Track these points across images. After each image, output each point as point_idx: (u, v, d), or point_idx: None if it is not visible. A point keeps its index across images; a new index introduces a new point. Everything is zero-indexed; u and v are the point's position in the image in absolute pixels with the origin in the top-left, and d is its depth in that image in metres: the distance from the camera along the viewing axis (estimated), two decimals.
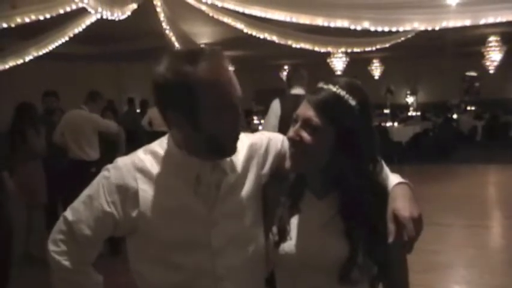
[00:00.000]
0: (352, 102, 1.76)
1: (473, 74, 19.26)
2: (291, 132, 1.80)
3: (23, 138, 7.03)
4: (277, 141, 2.01)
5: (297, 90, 6.04)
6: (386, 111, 17.45)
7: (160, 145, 1.88)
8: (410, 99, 21.17)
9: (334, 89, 1.77)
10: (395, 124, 15.72)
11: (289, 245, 1.82)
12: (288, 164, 1.84)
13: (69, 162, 7.26)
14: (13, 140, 7.12)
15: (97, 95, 7.61)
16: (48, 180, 7.37)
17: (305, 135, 1.76)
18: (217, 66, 1.71)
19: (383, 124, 15.52)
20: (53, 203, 7.43)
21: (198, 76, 1.66)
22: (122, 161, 1.85)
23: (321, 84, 1.81)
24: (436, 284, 5.90)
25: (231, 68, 1.78)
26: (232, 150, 1.80)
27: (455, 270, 6.32)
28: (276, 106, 5.92)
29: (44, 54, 9.72)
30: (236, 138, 1.79)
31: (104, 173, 1.85)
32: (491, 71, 16.20)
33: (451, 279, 6.11)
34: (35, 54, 9.62)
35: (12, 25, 7.90)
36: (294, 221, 1.85)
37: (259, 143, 1.99)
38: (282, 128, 5.59)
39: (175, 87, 1.68)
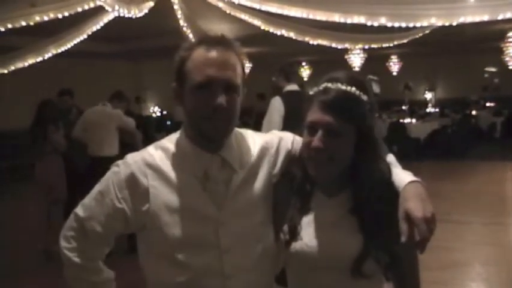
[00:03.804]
0: (364, 98, 1.77)
1: (492, 69, 19.02)
2: (316, 142, 1.76)
3: (43, 134, 7.14)
4: (288, 140, 2.01)
5: (294, 87, 6.05)
6: (405, 107, 17.35)
7: (170, 140, 1.90)
8: (428, 96, 21.02)
9: (343, 87, 1.76)
10: (413, 121, 15.59)
11: (300, 244, 1.82)
12: (313, 172, 1.81)
13: (92, 159, 7.29)
14: (34, 135, 7.25)
15: (124, 95, 7.74)
16: (68, 177, 7.45)
17: (331, 143, 1.75)
18: (210, 47, 1.78)
19: (401, 120, 15.42)
20: (72, 200, 7.49)
21: (190, 54, 1.79)
22: (132, 157, 1.87)
23: (327, 84, 1.79)
24: (452, 282, 5.87)
25: (245, 61, 1.81)
26: (209, 130, 1.78)
27: (472, 268, 6.27)
28: (278, 104, 5.84)
29: (62, 52, 9.81)
30: (210, 117, 1.76)
31: (114, 169, 1.87)
32: (511, 67, 16.03)
33: (468, 277, 6.07)
34: (54, 52, 9.72)
35: (31, 23, 7.99)
36: (305, 220, 1.85)
37: (271, 142, 1.99)
38: (286, 126, 5.57)
39: (178, 62, 1.82)
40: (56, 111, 7.49)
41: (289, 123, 5.41)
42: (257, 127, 5.97)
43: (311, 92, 1.84)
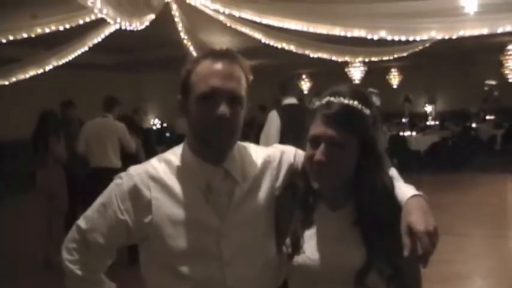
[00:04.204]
0: (367, 112, 1.78)
1: (492, 82, 19.06)
2: (319, 155, 1.77)
3: (44, 144, 7.15)
4: (290, 154, 2.02)
5: (292, 100, 6.06)
6: (405, 120, 17.36)
7: (174, 153, 1.92)
8: (428, 108, 21.03)
9: (346, 101, 1.77)
10: (414, 133, 15.61)
11: (302, 258, 1.82)
12: (316, 184, 1.82)
13: (93, 170, 7.22)
14: (35, 145, 7.27)
15: (116, 100, 7.57)
16: (69, 187, 7.45)
17: (334, 155, 1.76)
18: (215, 59, 1.79)
19: (401, 133, 15.44)
20: (73, 211, 7.47)
21: (196, 66, 1.80)
22: (135, 170, 1.88)
23: (330, 98, 1.80)
24: None
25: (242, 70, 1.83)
26: (212, 141, 1.78)
27: (473, 281, 6.25)
28: (275, 118, 5.85)
29: (63, 63, 9.83)
30: (213, 128, 1.75)
31: (116, 181, 1.88)
32: (511, 80, 16.06)
33: None
34: (55, 64, 9.74)
35: (33, 35, 8.01)
36: (308, 234, 1.86)
37: (273, 156, 2.00)
38: (283, 139, 5.58)
39: (183, 75, 1.83)
40: (57, 122, 7.51)
41: (286, 137, 5.41)
42: (258, 139, 5.98)
43: (314, 106, 1.85)
